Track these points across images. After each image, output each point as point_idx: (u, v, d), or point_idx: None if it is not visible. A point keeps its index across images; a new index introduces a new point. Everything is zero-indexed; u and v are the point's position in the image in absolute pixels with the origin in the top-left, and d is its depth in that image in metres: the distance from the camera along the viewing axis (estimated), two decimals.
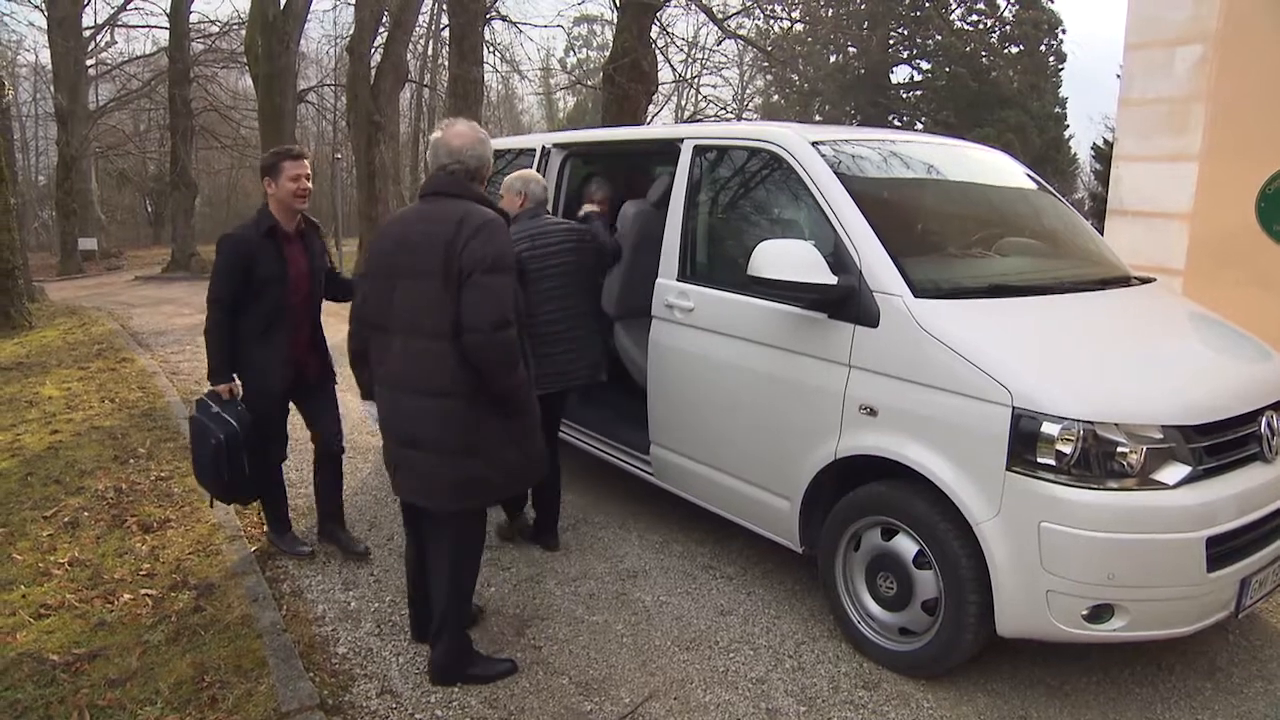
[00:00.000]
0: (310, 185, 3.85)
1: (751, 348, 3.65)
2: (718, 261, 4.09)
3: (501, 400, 2.89)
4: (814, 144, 3.66)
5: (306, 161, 3.87)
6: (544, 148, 5.22)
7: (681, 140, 4.26)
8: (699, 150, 4.15)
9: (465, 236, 2.78)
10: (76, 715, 2.85)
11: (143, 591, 3.72)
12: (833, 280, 3.23)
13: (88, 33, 25.65)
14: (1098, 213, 11.93)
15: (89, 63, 26.11)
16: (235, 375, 3.88)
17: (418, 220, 2.93)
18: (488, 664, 3.21)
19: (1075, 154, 32.27)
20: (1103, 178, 20.60)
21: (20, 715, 2.86)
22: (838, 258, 3.32)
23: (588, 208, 4.69)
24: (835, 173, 3.52)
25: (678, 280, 4.08)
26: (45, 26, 23.76)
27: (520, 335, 2.91)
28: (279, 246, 3.80)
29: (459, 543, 3.09)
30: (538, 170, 5.17)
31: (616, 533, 4.51)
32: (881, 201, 3.68)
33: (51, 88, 25.72)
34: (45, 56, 27.14)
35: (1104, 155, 21.78)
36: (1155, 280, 4.06)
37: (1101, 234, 5.37)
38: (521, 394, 2.92)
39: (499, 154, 5.91)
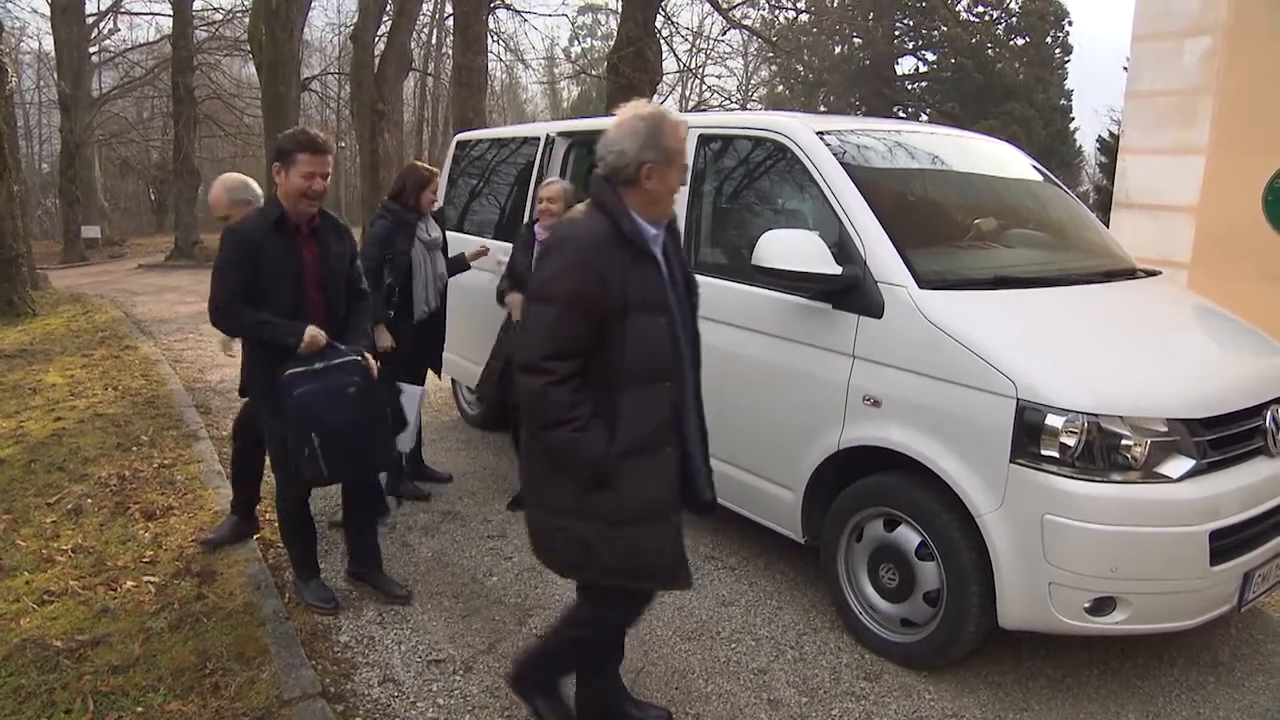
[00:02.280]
0: (324, 186, 3.23)
1: (755, 338, 3.64)
2: (722, 251, 4.08)
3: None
4: (819, 134, 3.64)
5: (329, 158, 3.23)
6: (548, 136, 5.20)
7: (686, 129, 4.23)
8: (704, 140, 4.13)
9: (541, 253, 2.36)
10: (80, 701, 2.86)
11: (145, 579, 3.73)
12: (837, 270, 3.22)
13: (91, 20, 25.62)
14: (1103, 205, 11.90)
15: (92, 50, 26.07)
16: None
17: None
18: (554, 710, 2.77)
19: (1080, 147, 32.24)
20: (1108, 171, 20.53)
21: (24, 701, 2.87)
22: (842, 248, 3.30)
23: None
24: (840, 163, 3.50)
25: None
26: (48, 13, 23.73)
27: (617, 394, 2.27)
28: (290, 239, 3.26)
29: (571, 612, 2.66)
30: (542, 160, 5.16)
31: None
32: (887, 192, 3.67)
33: (55, 75, 25.71)
34: (48, 43, 27.16)
35: (1109, 148, 21.72)
36: (1161, 273, 4.05)
37: (1107, 227, 5.35)
38: (568, 460, 2.29)
39: (501, 143, 5.91)
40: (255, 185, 4.05)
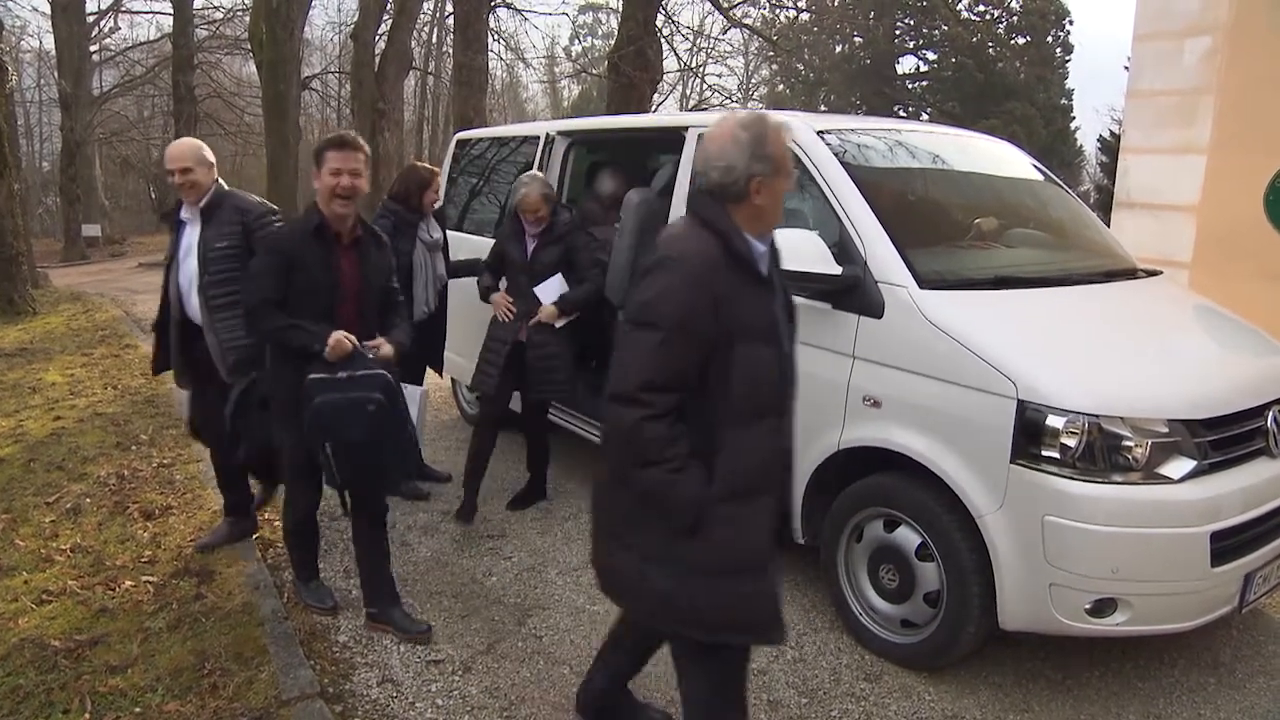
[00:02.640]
0: (355, 183, 3.11)
1: None
2: None
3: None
4: (820, 133, 3.63)
5: (358, 154, 3.14)
6: (548, 135, 5.19)
7: (686, 128, 4.23)
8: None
9: (645, 269, 2.11)
10: (78, 702, 2.85)
11: (144, 578, 3.72)
12: (837, 270, 3.21)
13: (91, 18, 25.59)
14: (1103, 205, 11.90)
15: (93, 49, 26.06)
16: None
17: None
18: None
19: (1081, 146, 32.21)
20: (1108, 170, 20.52)
21: (22, 701, 2.87)
22: (843, 248, 3.29)
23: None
24: (841, 162, 3.50)
25: None
26: (49, 12, 23.71)
27: (716, 432, 2.05)
28: (330, 248, 3.17)
29: (686, 676, 2.33)
30: (541, 159, 5.14)
31: None
32: (887, 191, 3.66)
33: (55, 73, 25.68)
34: (49, 42, 27.06)
35: (1110, 148, 21.70)
36: (1162, 273, 4.04)
37: (1108, 226, 5.34)
38: (660, 503, 2.05)
39: (501, 142, 5.90)
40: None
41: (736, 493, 2.05)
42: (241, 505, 4.13)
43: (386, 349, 3.24)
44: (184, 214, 3.81)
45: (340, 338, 3.08)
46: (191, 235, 3.77)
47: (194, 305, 3.78)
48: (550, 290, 4.37)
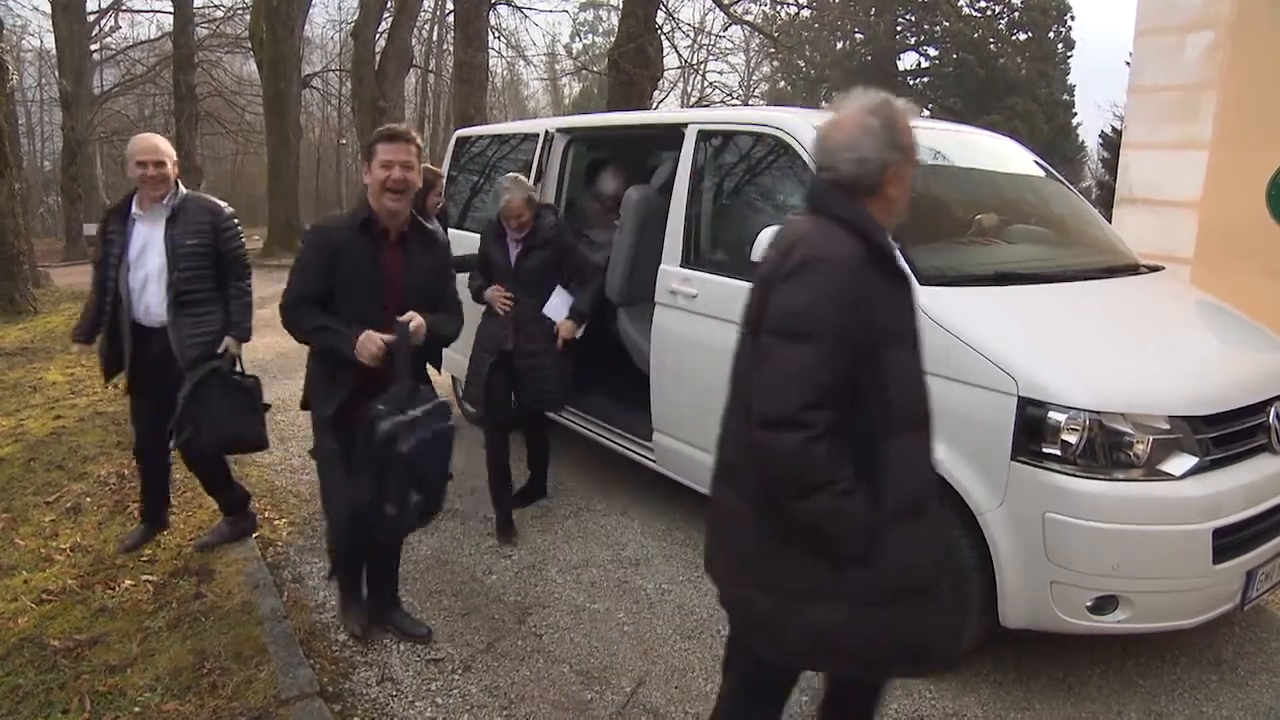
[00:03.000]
0: (406, 176, 3.00)
1: None
2: (722, 248, 4.06)
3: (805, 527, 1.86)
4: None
5: (409, 147, 3.03)
6: (547, 132, 5.18)
7: (686, 125, 4.22)
8: (703, 135, 4.11)
9: (781, 275, 1.87)
10: (77, 701, 2.85)
11: (144, 578, 3.72)
12: None
13: (92, 17, 25.60)
14: (1105, 201, 11.88)
15: (93, 48, 26.06)
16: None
17: (773, 242, 2.07)
18: None
19: (1083, 142, 32.20)
20: (1110, 166, 20.49)
21: (21, 700, 2.86)
22: None
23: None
24: None
25: (681, 267, 4.05)
26: (49, 11, 23.72)
27: (875, 447, 1.85)
28: (376, 244, 3.06)
29: (735, 693, 2.26)
30: (541, 155, 5.13)
31: (619, 520, 4.50)
32: None
33: (56, 72, 25.68)
34: (50, 41, 27.06)
35: (1112, 143, 21.67)
36: (1164, 269, 4.03)
37: (1109, 222, 5.33)
38: (829, 530, 1.82)
39: (501, 139, 5.89)
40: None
41: (907, 510, 1.87)
42: (239, 504, 4.13)
43: (418, 320, 3.05)
44: (135, 210, 3.74)
45: (369, 334, 2.93)
46: (149, 234, 3.72)
47: (145, 305, 3.72)
48: (559, 307, 4.29)
